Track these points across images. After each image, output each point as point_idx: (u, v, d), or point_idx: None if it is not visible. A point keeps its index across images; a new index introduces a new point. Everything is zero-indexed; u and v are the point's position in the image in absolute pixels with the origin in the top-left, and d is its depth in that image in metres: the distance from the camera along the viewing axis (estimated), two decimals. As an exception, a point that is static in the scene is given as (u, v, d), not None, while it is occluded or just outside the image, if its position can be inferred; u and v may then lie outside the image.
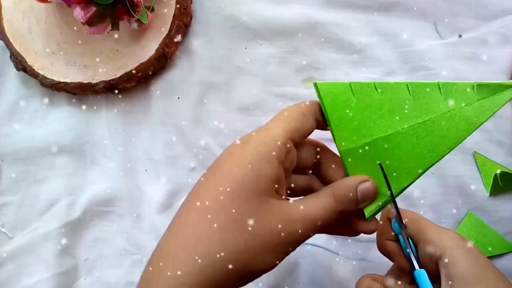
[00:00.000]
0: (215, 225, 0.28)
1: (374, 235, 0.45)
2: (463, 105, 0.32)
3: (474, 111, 0.31)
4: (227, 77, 0.50)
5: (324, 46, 0.50)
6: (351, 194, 0.30)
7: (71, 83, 0.48)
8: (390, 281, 0.34)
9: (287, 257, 0.48)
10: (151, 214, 0.48)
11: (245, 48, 0.50)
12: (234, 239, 0.28)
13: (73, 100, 0.50)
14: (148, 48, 0.48)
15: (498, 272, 0.34)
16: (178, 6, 0.48)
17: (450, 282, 0.32)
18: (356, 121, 0.32)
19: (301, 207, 0.30)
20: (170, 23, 0.48)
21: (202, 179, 0.31)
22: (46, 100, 0.50)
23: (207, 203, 0.29)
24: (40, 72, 0.48)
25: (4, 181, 0.49)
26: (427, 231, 0.35)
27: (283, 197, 0.31)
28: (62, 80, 0.48)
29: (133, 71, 0.47)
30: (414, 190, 0.48)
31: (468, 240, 0.35)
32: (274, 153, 0.29)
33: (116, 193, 0.49)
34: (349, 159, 0.32)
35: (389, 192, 0.32)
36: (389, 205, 0.33)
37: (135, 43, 0.48)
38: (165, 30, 0.48)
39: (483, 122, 0.32)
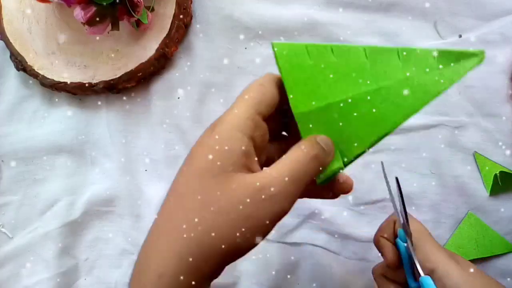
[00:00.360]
0: (186, 207, 0.29)
1: (373, 235, 0.45)
2: (421, 73, 0.30)
3: (432, 80, 0.30)
4: (227, 77, 0.50)
5: (324, 46, 0.50)
6: (317, 140, 0.30)
7: (71, 83, 0.48)
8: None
9: (287, 257, 0.48)
10: (151, 214, 0.48)
11: (245, 48, 0.50)
12: (203, 219, 0.28)
13: (73, 100, 0.50)
14: (148, 48, 0.48)
15: (485, 275, 0.36)
16: (178, 6, 0.48)
17: None
18: (311, 84, 0.31)
19: (269, 170, 0.29)
20: (170, 23, 0.48)
21: (179, 169, 0.31)
22: (46, 100, 0.50)
23: (180, 189, 0.30)
24: (40, 72, 0.48)
25: (4, 181, 0.49)
26: (425, 245, 0.37)
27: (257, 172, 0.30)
28: (62, 80, 0.48)
29: (133, 71, 0.47)
30: (414, 190, 0.48)
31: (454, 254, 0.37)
32: (239, 129, 0.29)
33: (116, 193, 0.49)
34: (303, 122, 0.31)
35: (344, 164, 0.31)
36: (397, 212, 0.35)
37: (135, 43, 0.48)
38: (165, 30, 0.48)
39: (441, 92, 0.30)
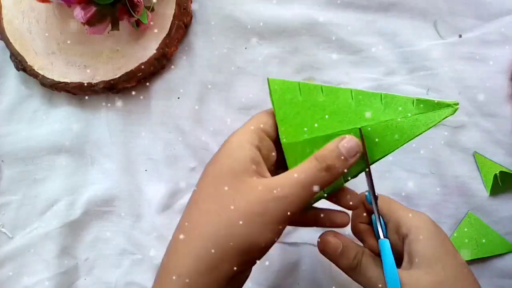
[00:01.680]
0: (203, 210, 0.31)
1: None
2: (400, 117, 0.34)
3: (409, 124, 0.33)
4: (227, 77, 0.50)
5: (324, 46, 0.50)
6: (334, 151, 0.32)
7: (71, 83, 0.48)
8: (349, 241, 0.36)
9: (287, 257, 0.48)
10: (151, 214, 0.48)
11: (245, 48, 0.50)
12: (219, 218, 0.30)
13: (73, 100, 0.50)
14: (148, 48, 0.48)
15: (460, 258, 0.36)
16: (178, 6, 0.48)
17: (410, 259, 0.34)
18: (300, 118, 0.34)
19: (283, 176, 0.32)
20: (170, 23, 0.48)
21: (196, 183, 0.34)
22: (46, 100, 0.50)
23: (197, 197, 0.33)
24: (40, 72, 0.48)
25: (4, 181, 0.49)
26: (397, 211, 0.37)
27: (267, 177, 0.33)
28: (62, 80, 0.48)
29: (133, 71, 0.47)
30: (414, 190, 0.48)
31: (437, 225, 0.37)
32: (245, 139, 0.33)
33: (116, 193, 0.49)
34: (290, 153, 0.35)
35: (366, 168, 0.34)
36: (365, 188, 0.36)
37: (135, 43, 0.48)
38: (165, 30, 0.48)
39: (416, 136, 0.34)
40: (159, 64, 0.49)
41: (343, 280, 0.47)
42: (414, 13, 0.50)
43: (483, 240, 0.47)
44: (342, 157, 0.32)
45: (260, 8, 0.50)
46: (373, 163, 0.34)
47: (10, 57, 0.49)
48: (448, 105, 0.33)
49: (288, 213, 0.30)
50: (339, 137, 0.33)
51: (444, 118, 0.33)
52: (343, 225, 0.36)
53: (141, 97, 0.50)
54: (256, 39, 0.50)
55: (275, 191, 0.30)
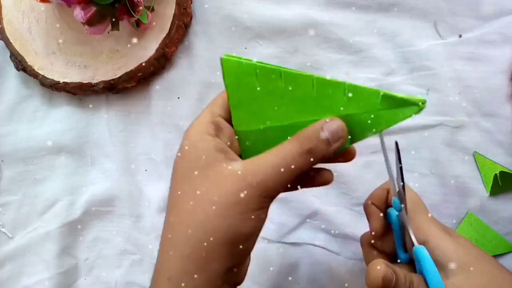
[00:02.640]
0: (180, 209, 0.30)
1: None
2: (362, 111, 0.30)
3: (371, 120, 0.30)
4: (227, 77, 0.50)
5: (324, 46, 0.50)
6: (318, 133, 0.30)
7: (71, 83, 0.48)
8: (400, 272, 0.33)
9: (287, 258, 0.48)
10: (151, 214, 0.48)
11: (245, 48, 0.50)
12: (197, 214, 0.29)
13: (73, 100, 0.50)
14: (148, 48, 0.48)
15: (492, 258, 0.34)
16: (178, 6, 0.48)
17: (441, 267, 0.32)
18: (256, 105, 0.31)
19: (257, 160, 0.30)
20: (170, 23, 0.48)
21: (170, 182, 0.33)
22: (46, 100, 0.50)
23: (172, 196, 0.31)
24: (40, 72, 0.48)
25: (4, 181, 0.49)
26: (419, 216, 0.35)
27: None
28: (62, 80, 0.48)
29: (133, 71, 0.47)
30: (414, 190, 0.48)
31: (456, 233, 0.35)
32: (203, 130, 0.31)
33: (116, 193, 0.49)
34: (243, 140, 0.32)
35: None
36: (392, 180, 0.33)
37: (135, 43, 0.48)
38: (165, 30, 0.48)
39: (377, 133, 0.31)
40: (159, 64, 0.49)
41: (343, 280, 0.47)
42: (414, 13, 0.50)
43: (483, 240, 0.47)
44: (326, 141, 0.29)
45: (260, 8, 0.50)
46: None
47: (10, 57, 0.49)
48: (415, 104, 0.30)
49: (265, 198, 0.29)
50: (323, 119, 0.30)
51: (408, 117, 0.30)
52: (329, 182, 0.35)
53: (141, 97, 0.50)
54: (256, 39, 0.50)
55: (248, 178, 0.29)
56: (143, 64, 0.47)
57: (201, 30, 0.50)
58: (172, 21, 0.48)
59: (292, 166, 0.29)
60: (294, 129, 0.31)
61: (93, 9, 0.43)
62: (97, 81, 0.48)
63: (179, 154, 0.32)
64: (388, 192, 0.38)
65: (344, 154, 0.34)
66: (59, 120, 0.50)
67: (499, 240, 0.47)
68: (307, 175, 0.34)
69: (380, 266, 0.31)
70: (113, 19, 0.44)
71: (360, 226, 0.48)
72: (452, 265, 0.32)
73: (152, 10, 0.47)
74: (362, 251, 0.39)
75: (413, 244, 0.34)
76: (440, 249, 0.33)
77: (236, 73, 0.31)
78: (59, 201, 0.49)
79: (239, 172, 0.29)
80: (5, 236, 0.49)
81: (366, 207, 0.38)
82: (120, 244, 0.49)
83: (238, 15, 0.50)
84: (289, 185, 0.30)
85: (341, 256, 0.47)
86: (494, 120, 0.48)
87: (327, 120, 0.30)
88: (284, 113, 0.31)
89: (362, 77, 0.49)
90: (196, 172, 0.30)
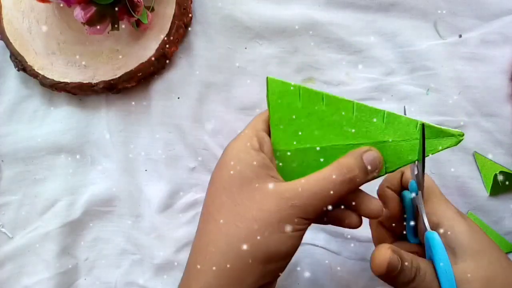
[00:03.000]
0: (221, 221, 0.30)
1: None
2: (400, 139, 0.32)
3: (407, 148, 0.32)
4: (227, 77, 0.50)
5: (324, 46, 0.50)
6: (359, 162, 0.31)
7: (71, 83, 0.48)
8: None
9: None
10: (151, 214, 0.48)
11: (245, 48, 0.50)
12: (237, 228, 0.29)
13: (73, 100, 0.50)
14: (148, 48, 0.48)
15: (501, 250, 0.34)
16: (178, 6, 0.48)
17: (452, 252, 0.32)
18: (296, 125, 0.33)
19: (300, 183, 0.30)
20: (170, 23, 0.48)
21: (206, 193, 0.33)
22: (46, 100, 0.50)
23: (210, 207, 0.31)
24: (40, 72, 0.48)
25: (4, 181, 0.49)
26: (434, 199, 0.35)
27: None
28: (62, 80, 0.48)
29: (133, 71, 0.47)
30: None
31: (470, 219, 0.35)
32: (247, 144, 0.31)
33: (116, 193, 0.49)
34: (281, 159, 0.33)
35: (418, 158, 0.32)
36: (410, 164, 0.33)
37: (135, 43, 0.48)
38: (165, 30, 0.48)
39: (412, 162, 0.32)
40: (159, 64, 0.49)
41: (343, 280, 0.47)
42: (414, 13, 0.50)
43: (483, 240, 0.47)
44: (365, 170, 0.31)
45: (260, 8, 0.50)
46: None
47: (10, 57, 0.49)
48: (453, 135, 0.31)
49: (304, 220, 0.30)
50: (361, 148, 0.31)
51: (447, 147, 0.31)
52: (355, 227, 0.34)
53: (141, 97, 0.50)
54: (256, 39, 0.50)
55: (291, 200, 0.29)
56: (143, 64, 0.47)
57: (201, 30, 0.50)
58: (172, 21, 0.48)
59: (331, 192, 0.30)
60: (331, 151, 0.32)
61: (93, 9, 0.43)
62: (97, 81, 0.48)
63: (220, 164, 0.32)
64: (402, 174, 0.38)
65: (352, 223, 0.34)
66: (59, 120, 0.50)
67: (499, 240, 0.47)
68: (337, 215, 0.34)
69: (386, 251, 0.31)
70: (113, 19, 0.44)
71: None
72: (463, 250, 0.32)
73: (152, 10, 0.47)
74: (371, 230, 0.39)
75: (425, 229, 0.33)
76: (454, 232, 0.33)
77: (280, 93, 0.33)
78: (59, 201, 0.49)
79: (283, 193, 0.30)
80: (5, 236, 0.49)
81: (382, 191, 0.38)
82: (120, 244, 0.49)
83: (238, 15, 0.50)
84: (324, 217, 0.32)
85: (341, 256, 0.47)
86: (494, 120, 0.48)
87: (365, 149, 0.31)
88: (322, 135, 0.33)
89: (362, 77, 0.49)
90: (237, 186, 0.30)
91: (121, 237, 0.49)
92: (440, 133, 0.31)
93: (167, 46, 0.48)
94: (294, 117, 0.33)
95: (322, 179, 0.30)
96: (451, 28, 0.49)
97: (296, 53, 0.50)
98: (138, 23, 0.46)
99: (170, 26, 0.48)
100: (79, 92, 0.49)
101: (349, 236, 0.47)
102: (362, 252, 0.47)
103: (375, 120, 0.32)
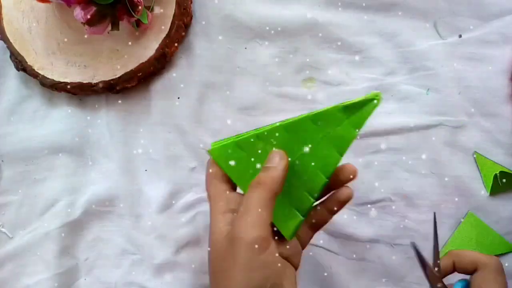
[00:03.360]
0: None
1: (373, 235, 0.45)
2: (334, 127, 0.35)
3: (345, 128, 0.35)
4: (227, 77, 0.50)
5: (324, 46, 0.50)
6: (267, 172, 0.34)
7: (71, 83, 0.48)
8: None
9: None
10: (151, 214, 0.48)
11: (245, 48, 0.50)
12: None
13: (73, 100, 0.50)
14: (148, 48, 0.48)
15: None
16: (178, 6, 0.48)
17: None
18: (251, 167, 0.36)
19: (243, 221, 0.33)
20: (170, 23, 0.48)
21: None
22: (46, 100, 0.50)
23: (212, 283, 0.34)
24: (40, 72, 0.48)
25: (4, 181, 0.49)
26: (466, 253, 0.36)
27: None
28: (62, 80, 0.48)
29: (133, 71, 0.47)
30: (414, 190, 0.48)
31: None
32: (224, 228, 0.34)
33: (116, 193, 0.49)
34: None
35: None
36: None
37: (135, 43, 0.48)
38: (165, 30, 0.48)
39: (356, 135, 0.35)
40: (159, 64, 0.49)
41: (343, 280, 0.47)
42: (414, 13, 0.50)
43: (483, 240, 0.47)
44: (273, 168, 0.34)
45: (260, 8, 0.50)
46: (330, 176, 0.36)
47: (10, 57, 0.49)
48: (371, 100, 0.34)
49: (268, 236, 0.33)
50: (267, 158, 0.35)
51: (372, 111, 0.35)
52: (350, 198, 0.37)
53: (141, 97, 0.50)
54: (256, 39, 0.50)
55: (237, 238, 0.32)
56: (143, 64, 0.47)
57: (201, 30, 0.50)
58: (172, 21, 0.48)
59: (263, 208, 0.33)
60: (290, 170, 0.35)
61: (93, 9, 0.43)
62: (97, 81, 0.48)
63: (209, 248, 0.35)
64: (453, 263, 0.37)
65: (344, 174, 0.36)
66: (59, 120, 0.49)
67: (499, 240, 0.47)
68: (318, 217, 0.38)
69: None
70: (113, 19, 0.44)
71: (360, 226, 0.48)
72: None
73: (152, 10, 0.47)
74: None
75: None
76: (483, 281, 0.34)
77: (225, 157, 0.36)
78: (59, 201, 0.49)
79: (231, 235, 0.33)
80: (5, 236, 0.49)
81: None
82: (120, 244, 0.49)
83: (238, 15, 0.50)
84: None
85: (341, 256, 0.47)
86: (494, 120, 0.48)
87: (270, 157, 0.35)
88: None
89: (362, 77, 0.49)
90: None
91: (121, 237, 0.49)
92: (361, 104, 0.35)
93: (167, 46, 0.48)
94: (246, 163, 0.36)
95: (250, 206, 0.33)
96: (451, 28, 0.49)
97: (296, 53, 0.50)
98: (138, 23, 0.46)
99: (170, 26, 0.48)
100: (79, 92, 0.49)
101: (350, 235, 0.47)
102: (362, 252, 0.47)
103: (306, 126, 0.35)
